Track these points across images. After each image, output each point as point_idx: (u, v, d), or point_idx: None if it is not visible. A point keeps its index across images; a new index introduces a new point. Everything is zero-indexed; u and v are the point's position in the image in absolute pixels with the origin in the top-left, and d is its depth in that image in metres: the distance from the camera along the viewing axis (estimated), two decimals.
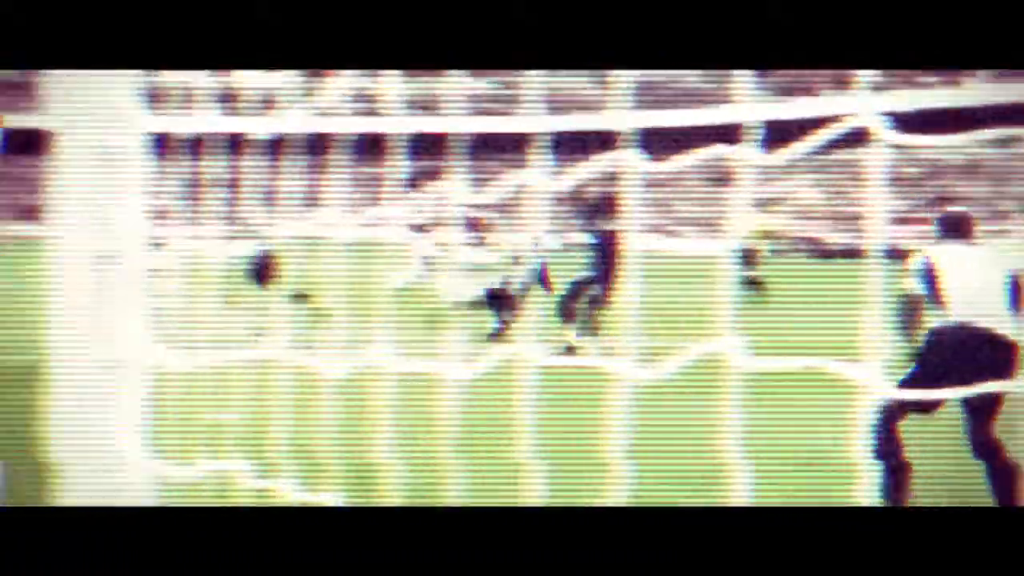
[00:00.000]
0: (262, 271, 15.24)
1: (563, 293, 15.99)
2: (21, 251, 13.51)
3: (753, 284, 21.16)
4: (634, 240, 19.51)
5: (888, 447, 6.39)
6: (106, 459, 1.94)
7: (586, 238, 16.02)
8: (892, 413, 6.40)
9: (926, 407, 6.39)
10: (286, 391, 2.51)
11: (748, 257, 21.40)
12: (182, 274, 2.41)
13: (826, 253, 52.52)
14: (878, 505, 5.80)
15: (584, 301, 15.64)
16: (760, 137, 1.70)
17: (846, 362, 1.61)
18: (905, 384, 6.43)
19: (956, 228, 6.85)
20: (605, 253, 15.61)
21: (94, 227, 1.95)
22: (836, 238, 54.63)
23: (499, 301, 16.08)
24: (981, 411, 6.34)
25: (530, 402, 2.25)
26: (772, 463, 6.84)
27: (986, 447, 6.37)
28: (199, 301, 2.87)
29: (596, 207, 16.16)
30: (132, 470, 1.94)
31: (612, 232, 15.62)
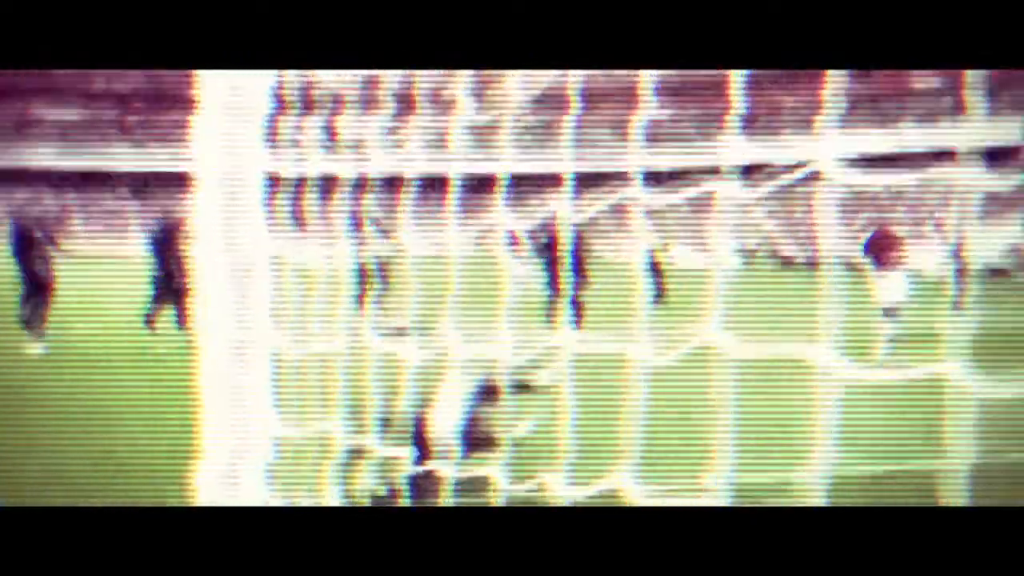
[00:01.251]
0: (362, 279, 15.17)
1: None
2: None
3: (658, 290, 20.77)
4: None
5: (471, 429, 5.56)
6: (240, 417, 1.95)
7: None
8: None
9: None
10: (373, 370, 2.52)
11: (654, 267, 21.16)
12: (294, 279, 2.42)
13: (787, 262, 52.45)
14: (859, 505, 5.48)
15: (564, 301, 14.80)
16: (739, 175, 1.66)
17: (807, 347, 1.54)
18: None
19: None
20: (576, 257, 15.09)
21: (227, 244, 1.97)
22: (796, 251, 54.40)
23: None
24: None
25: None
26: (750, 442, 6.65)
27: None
28: (308, 301, 2.88)
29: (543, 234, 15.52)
30: (258, 428, 1.95)
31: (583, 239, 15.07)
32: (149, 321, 14.07)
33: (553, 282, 14.98)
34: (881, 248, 13.07)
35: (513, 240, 23.24)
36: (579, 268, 15.01)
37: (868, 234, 14.06)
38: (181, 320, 13.77)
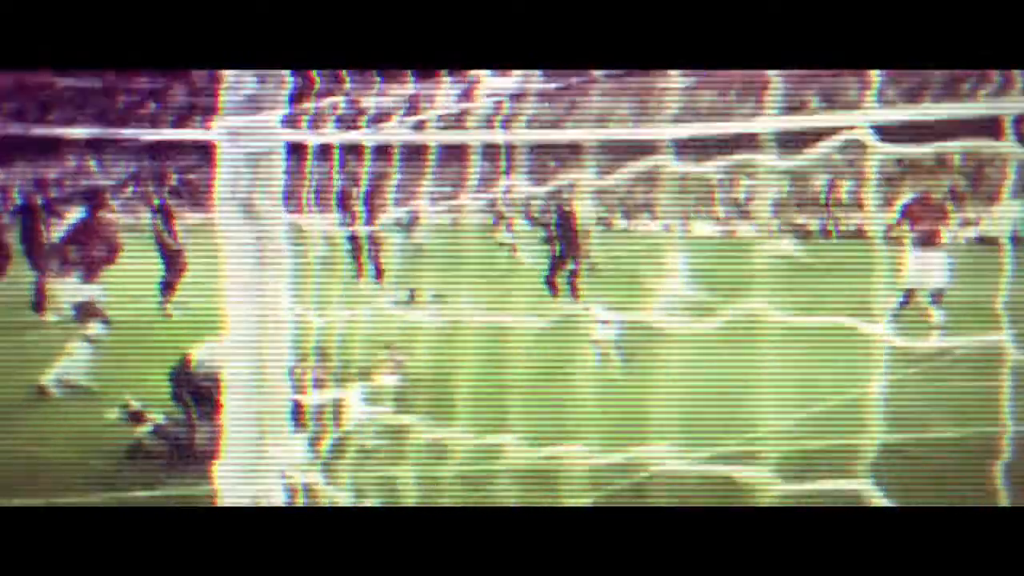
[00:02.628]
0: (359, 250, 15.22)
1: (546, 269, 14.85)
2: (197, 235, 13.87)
3: (506, 247, 20.45)
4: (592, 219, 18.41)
5: None
6: (260, 383, 1.94)
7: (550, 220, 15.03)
8: None
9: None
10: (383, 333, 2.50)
11: (505, 223, 20.83)
12: (313, 250, 2.40)
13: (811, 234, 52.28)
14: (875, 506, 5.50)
15: (564, 273, 14.63)
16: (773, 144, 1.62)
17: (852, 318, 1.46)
18: None
19: None
20: (566, 230, 14.70)
21: (247, 214, 1.95)
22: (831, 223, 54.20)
23: None
24: None
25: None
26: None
27: None
28: (327, 271, 2.86)
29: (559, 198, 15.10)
30: (278, 394, 1.94)
31: (570, 213, 14.69)
32: (167, 291, 14.12)
33: (552, 254, 14.81)
34: (919, 217, 12.58)
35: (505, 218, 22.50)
36: (571, 239, 14.75)
37: (904, 201, 13.51)
38: (166, 293, 13.85)
